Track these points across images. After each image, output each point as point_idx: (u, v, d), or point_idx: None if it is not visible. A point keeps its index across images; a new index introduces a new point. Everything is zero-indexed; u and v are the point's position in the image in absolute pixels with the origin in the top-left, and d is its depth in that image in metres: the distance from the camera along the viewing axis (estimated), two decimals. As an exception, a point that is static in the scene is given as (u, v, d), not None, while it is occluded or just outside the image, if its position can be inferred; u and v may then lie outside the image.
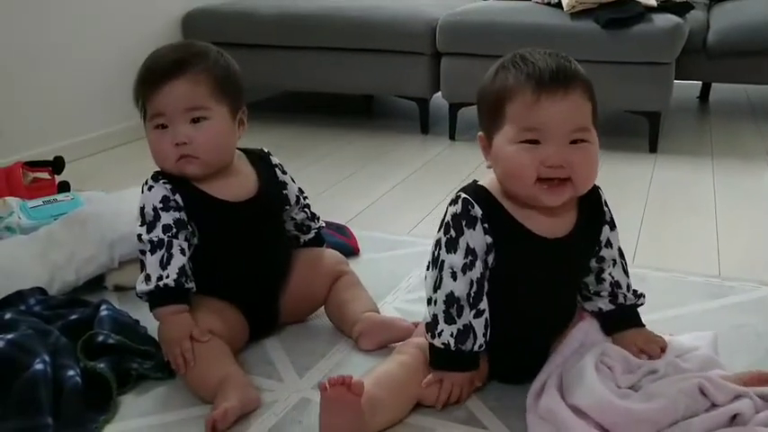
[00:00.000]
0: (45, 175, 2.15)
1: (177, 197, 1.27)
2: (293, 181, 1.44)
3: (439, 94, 3.01)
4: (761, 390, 1.08)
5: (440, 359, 1.14)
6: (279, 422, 1.14)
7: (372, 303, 1.42)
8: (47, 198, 1.85)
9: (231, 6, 3.20)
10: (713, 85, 3.71)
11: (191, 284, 1.25)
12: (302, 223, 1.48)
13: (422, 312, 1.20)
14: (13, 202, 1.80)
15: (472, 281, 1.12)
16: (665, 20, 2.67)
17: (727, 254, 1.80)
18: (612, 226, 1.21)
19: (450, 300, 1.12)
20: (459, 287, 1.12)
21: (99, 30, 2.75)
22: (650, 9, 2.71)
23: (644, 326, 1.23)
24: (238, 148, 1.36)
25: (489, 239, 1.12)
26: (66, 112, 2.64)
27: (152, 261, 1.23)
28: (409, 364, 1.16)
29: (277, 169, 1.41)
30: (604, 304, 1.22)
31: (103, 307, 1.34)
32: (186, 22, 3.16)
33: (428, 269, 1.17)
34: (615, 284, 1.22)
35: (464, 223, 1.12)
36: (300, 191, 1.46)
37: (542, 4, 2.91)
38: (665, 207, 2.16)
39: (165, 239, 1.24)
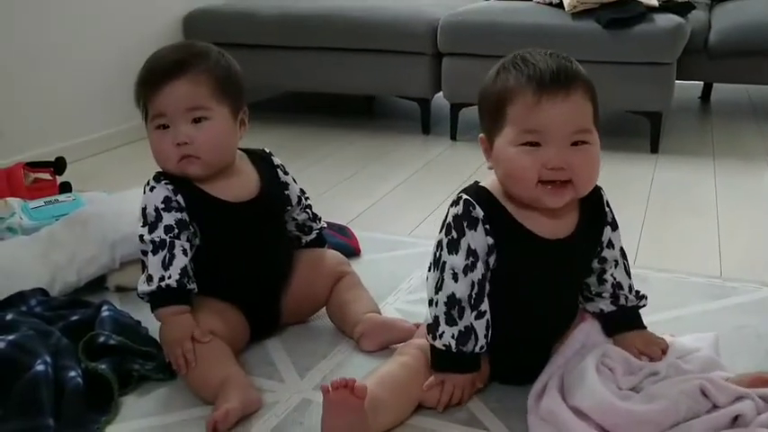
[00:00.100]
0: (46, 176, 2.16)
1: (179, 198, 1.27)
2: (295, 181, 1.44)
3: (440, 94, 3.01)
4: (763, 391, 1.08)
5: (441, 361, 1.14)
6: (280, 423, 1.13)
7: (374, 304, 1.41)
8: (48, 199, 1.85)
9: (232, 7, 3.20)
10: (715, 85, 3.70)
11: (192, 285, 1.25)
12: (304, 224, 1.48)
13: (423, 313, 1.20)
14: (14, 202, 1.80)
15: (473, 282, 1.12)
16: (666, 20, 2.66)
17: (728, 255, 1.80)
18: (614, 227, 1.21)
19: (452, 301, 1.12)
20: (461, 288, 1.11)
21: (100, 30, 2.75)
22: (652, 9, 2.71)
23: (645, 328, 1.23)
24: (240, 149, 1.36)
25: (491, 241, 1.12)
26: (66, 112, 2.64)
27: (154, 262, 1.23)
28: (411, 366, 1.15)
29: (279, 170, 1.41)
30: (606, 305, 1.22)
31: (105, 308, 1.34)
32: (187, 22, 3.16)
33: (429, 270, 1.17)
34: (617, 285, 1.21)
35: (465, 224, 1.12)
36: (302, 191, 1.45)
37: (543, 5, 2.91)
38: (666, 208, 2.16)
39: (167, 240, 1.24)
